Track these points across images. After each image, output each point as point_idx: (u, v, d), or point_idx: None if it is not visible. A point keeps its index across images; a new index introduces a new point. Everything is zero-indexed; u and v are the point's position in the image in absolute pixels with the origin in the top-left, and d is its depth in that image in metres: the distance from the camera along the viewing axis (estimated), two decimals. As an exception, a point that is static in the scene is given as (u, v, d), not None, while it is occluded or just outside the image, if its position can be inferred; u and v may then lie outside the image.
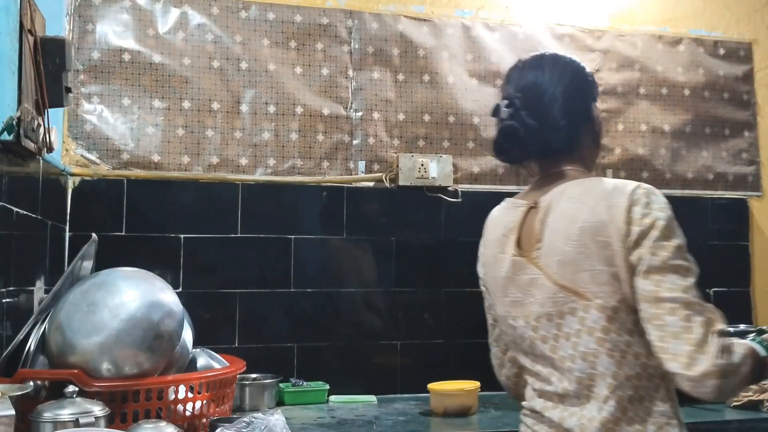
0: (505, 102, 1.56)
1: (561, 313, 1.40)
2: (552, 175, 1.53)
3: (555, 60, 1.60)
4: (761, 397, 2.37)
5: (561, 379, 1.43)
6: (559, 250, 1.39)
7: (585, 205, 1.39)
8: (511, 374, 1.69)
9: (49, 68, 2.03)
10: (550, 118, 1.51)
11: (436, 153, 2.89)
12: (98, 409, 1.51)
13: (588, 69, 1.64)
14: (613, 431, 1.36)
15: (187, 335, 1.93)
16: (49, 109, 2.07)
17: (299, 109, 2.80)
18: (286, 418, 1.76)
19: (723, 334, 1.29)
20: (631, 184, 1.38)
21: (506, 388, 1.74)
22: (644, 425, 1.36)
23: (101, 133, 2.64)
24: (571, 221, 1.39)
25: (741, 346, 1.30)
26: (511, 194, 2.97)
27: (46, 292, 2.14)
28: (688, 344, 1.26)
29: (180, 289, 2.56)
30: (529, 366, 1.51)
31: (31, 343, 1.71)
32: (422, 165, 2.83)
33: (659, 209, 1.34)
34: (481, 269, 1.64)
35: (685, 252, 1.34)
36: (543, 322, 1.43)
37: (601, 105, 3.05)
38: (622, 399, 1.37)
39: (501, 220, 1.57)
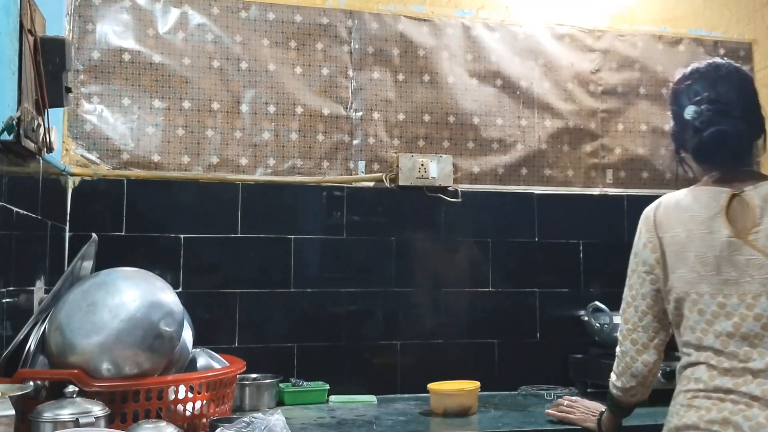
0: (711, 106, 1.68)
1: None
2: (742, 172, 1.68)
3: (737, 70, 1.76)
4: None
5: (762, 356, 1.53)
6: None
7: None
8: (651, 361, 1.74)
9: (49, 68, 2.03)
10: (748, 124, 1.68)
11: (436, 153, 2.89)
12: (98, 409, 1.51)
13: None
14: None
15: (187, 335, 1.93)
16: (49, 109, 2.07)
17: (299, 109, 2.81)
18: (286, 418, 1.76)
19: None
20: None
21: (641, 375, 1.76)
22: None
23: (101, 133, 2.64)
24: None
25: None
26: (510, 194, 3.00)
27: (46, 292, 2.14)
28: None
29: (180, 289, 2.56)
30: (718, 346, 1.58)
31: (31, 343, 1.71)
32: (422, 165, 2.83)
33: None
34: (660, 247, 1.69)
35: None
36: (761, 300, 1.55)
37: (601, 105, 3.07)
38: None
39: (697, 203, 1.66)
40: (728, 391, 1.55)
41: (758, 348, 1.54)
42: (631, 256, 1.78)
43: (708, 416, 1.55)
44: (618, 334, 1.81)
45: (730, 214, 1.62)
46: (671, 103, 1.81)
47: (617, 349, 1.82)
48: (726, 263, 1.59)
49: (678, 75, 1.81)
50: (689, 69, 1.78)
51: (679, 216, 1.68)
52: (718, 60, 1.79)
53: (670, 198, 1.74)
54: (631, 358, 1.76)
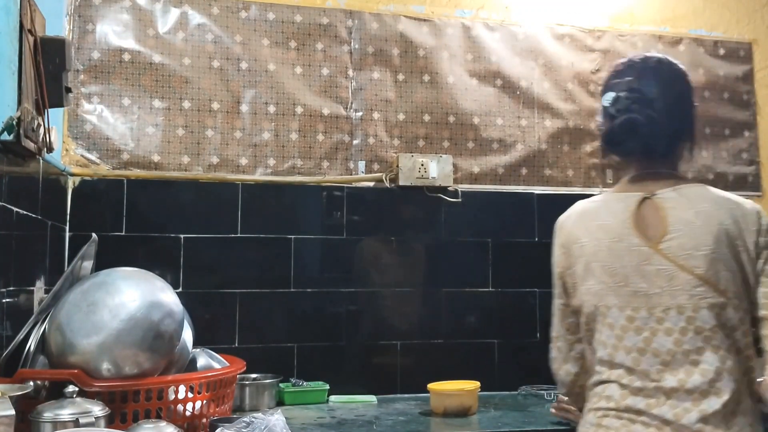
0: (626, 94, 1.59)
1: (697, 307, 1.44)
2: (658, 173, 1.58)
3: (669, 64, 1.65)
4: None
5: (675, 374, 1.44)
6: (703, 246, 1.46)
7: (722, 208, 1.49)
8: (573, 372, 1.63)
9: (49, 68, 2.03)
10: (669, 118, 1.57)
11: (436, 153, 2.89)
12: (98, 409, 1.51)
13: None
14: (731, 422, 1.41)
15: (187, 335, 1.93)
16: (49, 109, 2.07)
17: (299, 109, 2.81)
18: (286, 418, 1.76)
19: None
20: (743, 199, 1.56)
21: (567, 384, 1.66)
22: (752, 416, 1.45)
23: (101, 133, 2.64)
24: (711, 220, 1.47)
25: None
26: (510, 194, 3.00)
27: (46, 292, 2.14)
28: None
29: (180, 289, 2.56)
30: (629, 363, 1.48)
31: (31, 343, 1.71)
32: (422, 165, 2.83)
33: None
34: (569, 258, 1.60)
35: None
36: (672, 314, 1.45)
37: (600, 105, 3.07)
38: (736, 393, 1.42)
39: (606, 210, 1.57)
40: (639, 412, 1.45)
41: (671, 365, 1.44)
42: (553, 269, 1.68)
43: None
44: None
45: (640, 220, 1.52)
46: (601, 96, 1.69)
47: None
48: (635, 274, 1.49)
49: (610, 67, 1.71)
50: (621, 60, 1.68)
51: (586, 225, 1.58)
52: (653, 53, 1.68)
53: (581, 205, 1.65)
54: (557, 365, 1.66)
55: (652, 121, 1.55)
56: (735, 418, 1.41)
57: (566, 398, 1.99)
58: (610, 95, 1.61)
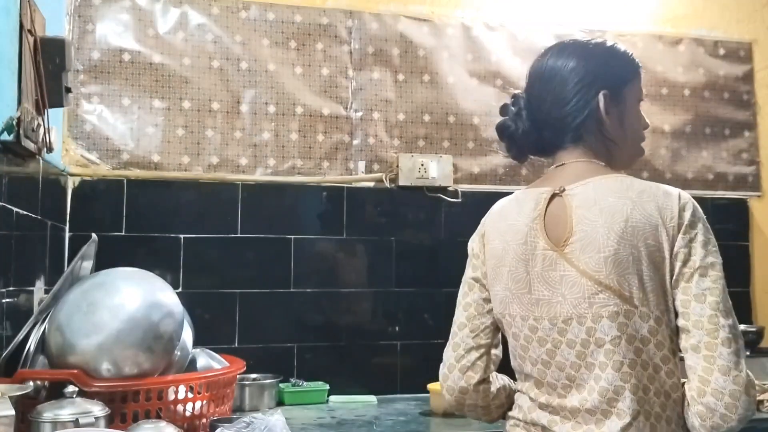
0: (512, 100, 1.56)
1: (597, 317, 1.29)
2: (566, 165, 1.44)
3: (563, 47, 1.51)
4: (761, 397, 2.36)
5: (580, 390, 1.31)
6: (604, 247, 1.28)
7: (631, 203, 1.30)
8: (473, 382, 1.47)
9: (49, 68, 2.03)
10: (545, 113, 1.48)
11: (436, 153, 2.89)
12: (98, 410, 1.51)
13: (608, 51, 1.51)
14: None
15: (187, 335, 1.93)
16: (49, 109, 2.07)
17: (299, 109, 2.81)
18: (286, 418, 1.76)
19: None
20: (669, 188, 1.35)
21: (458, 395, 1.50)
22: None
23: (101, 133, 2.64)
24: (617, 217, 1.29)
25: None
26: (510, 194, 2.99)
27: (46, 292, 2.14)
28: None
29: (180, 290, 2.56)
30: (536, 375, 1.37)
31: (31, 344, 1.71)
32: (422, 165, 2.83)
33: (703, 221, 1.34)
34: (481, 264, 1.50)
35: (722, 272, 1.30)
36: (573, 325, 1.31)
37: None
38: (648, 416, 1.28)
39: (517, 209, 1.44)
40: (543, 429, 1.35)
41: (576, 381, 1.31)
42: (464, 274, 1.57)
43: None
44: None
45: (548, 220, 1.37)
46: None
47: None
48: (538, 280, 1.35)
49: None
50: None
51: (498, 225, 1.46)
52: (562, 41, 1.55)
53: (498, 204, 1.54)
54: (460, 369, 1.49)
55: (519, 123, 1.52)
56: None
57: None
58: (512, 97, 1.58)
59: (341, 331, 2.75)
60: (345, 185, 2.81)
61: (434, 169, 2.84)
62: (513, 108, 1.55)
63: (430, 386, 2.45)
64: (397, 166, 2.82)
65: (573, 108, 1.44)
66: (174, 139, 2.69)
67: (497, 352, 1.51)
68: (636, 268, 1.27)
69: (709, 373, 1.24)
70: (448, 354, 1.52)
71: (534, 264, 1.36)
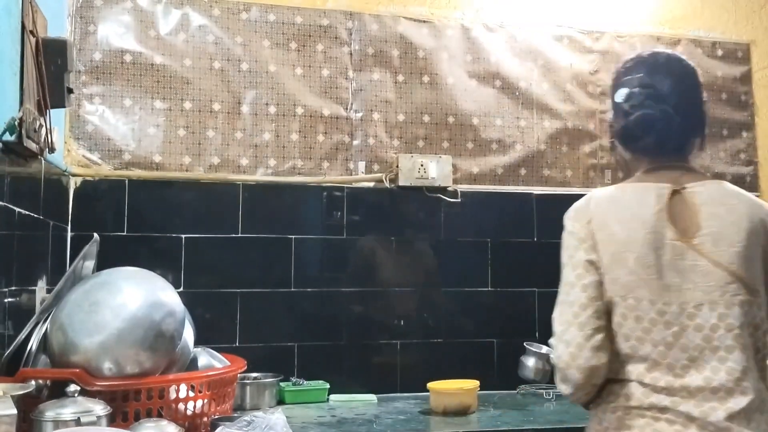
0: (639, 90, 1.59)
1: (730, 304, 1.43)
2: (677, 167, 1.57)
3: (679, 60, 1.65)
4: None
5: (700, 371, 1.42)
6: (735, 242, 1.46)
7: (754, 206, 1.51)
8: (592, 364, 1.47)
9: (50, 69, 2.04)
10: (682, 113, 1.57)
11: (435, 153, 2.89)
12: (100, 408, 1.52)
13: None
14: (752, 419, 1.40)
15: (188, 334, 1.94)
16: (51, 110, 2.08)
17: (300, 110, 2.82)
18: (287, 417, 1.78)
19: None
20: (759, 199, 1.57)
21: (582, 378, 1.49)
22: None
23: (103, 133, 2.65)
24: (743, 217, 1.48)
25: None
26: (510, 194, 3.01)
27: (48, 291, 2.15)
28: None
29: (181, 289, 2.57)
30: (655, 356, 1.44)
31: (33, 343, 1.72)
32: (422, 165, 2.84)
33: None
34: (590, 248, 1.51)
35: None
36: (704, 310, 1.44)
37: (599, 106, 3.08)
38: (759, 392, 1.42)
39: (638, 200, 1.51)
40: (663, 410, 1.42)
41: (697, 362, 1.42)
42: (564, 257, 1.58)
43: None
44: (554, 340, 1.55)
45: (673, 213, 1.49)
46: (611, 92, 1.68)
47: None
48: (668, 268, 1.45)
49: (619, 63, 1.70)
50: (630, 56, 1.67)
51: (616, 213, 1.52)
52: (662, 49, 1.71)
53: (603, 193, 1.59)
54: (569, 358, 1.50)
55: (667, 116, 1.55)
56: (754, 415, 1.41)
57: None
58: (624, 91, 1.60)
59: (341, 330, 2.76)
60: (345, 185, 2.82)
61: (434, 169, 2.85)
62: (641, 96, 1.59)
63: (430, 385, 2.46)
64: (397, 167, 2.83)
65: (701, 113, 1.65)
66: (175, 139, 2.70)
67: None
68: (757, 264, 1.47)
69: None
70: (574, 334, 1.50)
71: (663, 252, 1.46)
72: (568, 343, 1.50)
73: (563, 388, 1.53)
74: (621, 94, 1.61)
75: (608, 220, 1.52)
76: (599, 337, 1.49)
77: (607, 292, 1.50)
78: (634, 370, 1.47)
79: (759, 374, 1.44)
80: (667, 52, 1.67)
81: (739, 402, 1.40)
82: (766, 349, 1.48)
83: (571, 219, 1.59)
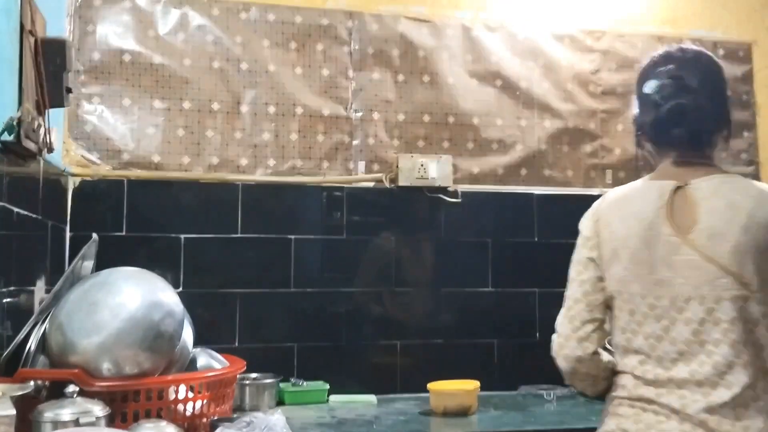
0: (670, 81, 1.60)
1: (719, 299, 1.44)
2: (693, 163, 1.57)
3: (707, 56, 1.67)
4: None
5: (688, 364, 1.45)
6: (730, 237, 1.45)
7: (754, 201, 1.48)
8: (589, 351, 1.57)
9: (49, 69, 2.03)
10: (711, 107, 1.58)
11: (435, 153, 2.89)
12: (99, 409, 1.52)
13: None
14: (742, 416, 1.40)
15: (188, 335, 1.93)
16: (50, 110, 2.08)
17: (299, 110, 2.81)
18: (286, 418, 1.77)
19: None
20: None
21: (575, 364, 1.59)
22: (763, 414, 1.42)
23: (102, 133, 2.64)
24: (741, 212, 1.46)
25: None
26: (510, 194, 3.00)
27: (47, 291, 2.15)
28: None
29: (180, 289, 2.57)
30: (646, 349, 1.50)
31: (32, 343, 1.71)
32: (422, 165, 2.83)
33: None
34: (594, 245, 1.60)
35: None
36: (692, 305, 1.45)
37: (600, 105, 3.08)
38: (749, 388, 1.41)
39: (641, 197, 1.57)
40: (650, 401, 1.48)
41: (685, 355, 1.45)
42: (573, 255, 1.67)
43: (625, 425, 1.49)
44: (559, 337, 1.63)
45: (673, 209, 1.52)
46: (637, 86, 1.70)
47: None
48: (661, 263, 1.49)
49: (646, 59, 1.71)
50: (658, 51, 1.69)
51: (620, 211, 1.59)
52: (688, 45, 1.69)
53: (617, 192, 1.66)
54: (563, 342, 1.61)
55: (699, 106, 1.57)
56: (747, 412, 1.40)
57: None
58: (653, 83, 1.62)
59: (341, 330, 2.76)
60: (345, 185, 2.81)
61: (434, 169, 2.84)
62: (672, 88, 1.60)
63: (430, 386, 2.46)
64: (397, 167, 2.82)
65: (727, 110, 1.63)
66: (174, 139, 2.70)
67: (607, 327, 1.61)
68: (755, 259, 1.43)
69: None
70: (564, 326, 1.61)
71: (658, 248, 1.49)
72: (559, 334, 1.62)
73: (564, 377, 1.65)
74: (650, 86, 1.62)
75: (612, 218, 1.58)
76: (587, 328, 1.58)
77: (607, 288, 1.58)
78: (629, 362, 1.54)
79: (756, 371, 1.43)
80: (695, 48, 1.68)
81: (722, 395, 1.41)
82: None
83: (583, 219, 1.68)
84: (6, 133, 1.79)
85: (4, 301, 1.83)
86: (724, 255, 1.44)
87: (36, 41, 1.99)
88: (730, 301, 1.44)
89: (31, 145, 1.92)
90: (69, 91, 2.15)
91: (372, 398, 2.63)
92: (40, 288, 2.17)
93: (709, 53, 1.68)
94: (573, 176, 3.03)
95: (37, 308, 2.04)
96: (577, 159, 3.04)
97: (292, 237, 2.74)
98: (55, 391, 1.58)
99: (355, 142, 2.85)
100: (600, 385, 1.62)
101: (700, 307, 1.45)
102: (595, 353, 1.58)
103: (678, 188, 1.53)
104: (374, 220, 2.82)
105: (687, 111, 1.56)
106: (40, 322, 1.75)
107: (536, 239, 2.93)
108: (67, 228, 2.54)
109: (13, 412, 1.32)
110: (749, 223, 1.45)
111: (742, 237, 1.45)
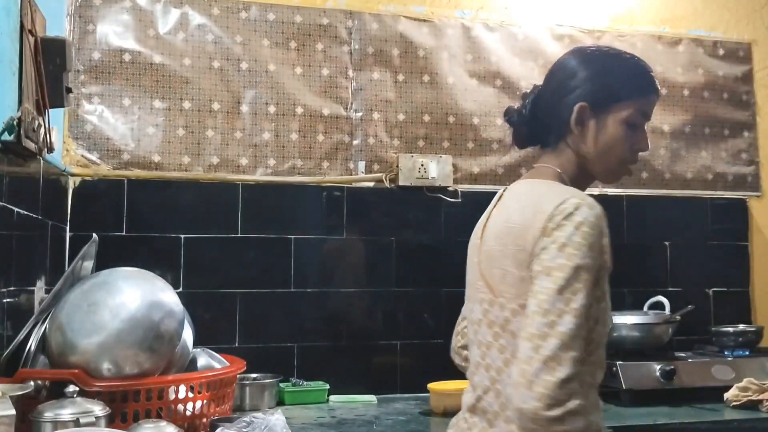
0: (529, 90, 1.63)
1: (475, 300, 1.51)
2: (531, 168, 1.59)
3: (581, 49, 1.61)
4: (760, 396, 2.37)
5: (478, 366, 1.51)
6: (488, 243, 1.47)
7: (519, 206, 1.43)
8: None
9: (49, 68, 2.03)
10: (542, 108, 1.55)
11: (435, 153, 2.89)
12: (99, 409, 1.52)
13: (616, 65, 1.56)
14: (475, 416, 1.48)
15: (188, 335, 1.93)
16: (50, 110, 2.07)
17: (299, 110, 2.81)
18: (287, 418, 1.77)
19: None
20: (564, 195, 1.36)
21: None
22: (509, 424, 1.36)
23: (102, 133, 2.64)
24: (504, 218, 1.46)
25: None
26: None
27: (47, 292, 2.15)
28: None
29: (180, 289, 2.56)
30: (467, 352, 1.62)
31: (32, 343, 1.71)
32: (422, 165, 2.83)
33: (576, 225, 1.30)
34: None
35: (582, 275, 1.27)
36: (476, 309, 1.51)
37: (600, 105, 3.07)
38: (498, 394, 1.40)
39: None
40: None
41: (480, 348, 1.49)
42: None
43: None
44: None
45: (491, 214, 1.54)
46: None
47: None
48: (472, 268, 1.56)
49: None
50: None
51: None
52: (589, 46, 1.65)
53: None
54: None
55: (519, 114, 1.58)
56: (477, 413, 1.47)
57: None
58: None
59: (341, 330, 2.76)
60: (345, 185, 2.81)
61: (434, 169, 2.84)
62: (526, 98, 1.61)
63: (431, 386, 2.45)
64: (397, 166, 2.82)
65: (556, 110, 1.51)
66: (174, 139, 2.69)
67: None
68: (500, 264, 1.41)
69: (517, 363, 1.28)
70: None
71: (477, 253, 1.54)
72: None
73: None
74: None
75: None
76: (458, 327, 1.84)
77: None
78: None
79: (499, 375, 1.39)
80: (567, 53, 1.60)
81: (469, 397, 1.51)
82: (513, 348, 1.34)
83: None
84: (6, 133, 1.79)
85: (4, 301, 1.83)
86: (482, 259, 1.49)
87: (36, 41, 1.99)
88: (479, 304, 1.48)
89: (31, 145, 1.92)
90: (69, 90, 2.15)
91: (372, 398, 2.63)
92: (40, 288, 2.17)
93: (568, 54, 1.59)
94: (573, 176, 3.03)
95: (37, 308, 2.04)
96: (577, 159, 3.04)
97: (292, 237, 2.74)
98: (55, 391, 1.58)
99: (355, 142, 2.85)
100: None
101: (473, 309, 1.53)
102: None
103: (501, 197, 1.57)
104: (374, 220, 2.82)
105: (509, 114, 1.63)
106: (40, 322, 1.75)
107: (536, 239, 2.93)
108: (67, 228, 2.53)
109: (13, 412, 1.32)
110: (501, 228, 1.44)
111: (494, 241, 1.45)
